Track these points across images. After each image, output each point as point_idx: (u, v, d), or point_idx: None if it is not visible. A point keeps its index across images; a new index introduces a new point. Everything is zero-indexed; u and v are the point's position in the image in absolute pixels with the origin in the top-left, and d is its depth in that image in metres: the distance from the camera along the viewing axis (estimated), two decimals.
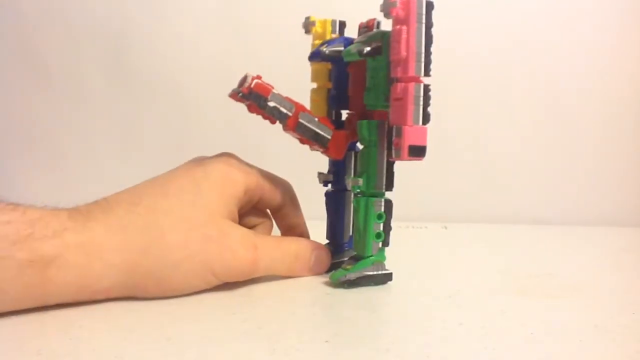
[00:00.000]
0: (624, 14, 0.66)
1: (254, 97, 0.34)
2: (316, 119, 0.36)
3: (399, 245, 0.50)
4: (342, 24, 0.40)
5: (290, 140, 0.38)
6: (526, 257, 0.48)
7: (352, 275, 0.35)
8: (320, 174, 0.40)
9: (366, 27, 0.37)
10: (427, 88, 0.32)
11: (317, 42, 0.40)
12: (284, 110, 0.35)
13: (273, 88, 0.35)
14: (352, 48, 0.34)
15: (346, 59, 0.36)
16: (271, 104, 0.34)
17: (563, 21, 0.65)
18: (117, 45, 0.61)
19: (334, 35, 0.40)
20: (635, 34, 0.66)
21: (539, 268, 0.43)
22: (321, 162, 0.41)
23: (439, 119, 0.65)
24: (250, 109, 0.35)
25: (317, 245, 0.38)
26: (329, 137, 0.36)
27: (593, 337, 0.28)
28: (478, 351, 0.26)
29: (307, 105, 0.40)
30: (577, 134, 0.67)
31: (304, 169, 0.42)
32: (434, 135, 0.63)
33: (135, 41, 0.61)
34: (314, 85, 0.41)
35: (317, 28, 0.40)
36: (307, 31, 0.40)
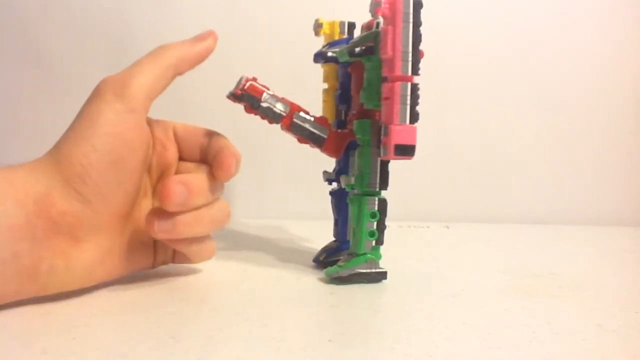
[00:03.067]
0: (624, 15, 0.66)
1: (247, 98, 0.35)
2: (312, 119, 0.36)
3: (401, 245, 0.51)
4: (352, 25, 0.40)
5: (291, 140, 0.38)
6: (527, 256, 0.48)
7: (344, 272, 0.35)
8: (324, 172, 0.40)
9: (367, 28, 0.37)
10: (415, 87, 0.31)
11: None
12: (278, 111, 0.35)
13: (268, 89, 0.36)
14: (345, 49, 0.34)
15: (340, 60, 0.36)
16: (264, 104, 0.35)
17: (565, 22, 0.65)
18: (120, 45, 0.61)
19: (342, 37, 0.40)
20: (635, 34, 0.66)
21: (540, 268, 0.43)
22: (324, 161, 0.41)
23: (440, 119, 0.65)
24: (247, 110, 0.36)
25: None
26: (325, 136, 0.37)
27: (596, 337, 0.28)
28: (482, 350, 0.26)
29: (320, 105, 0.40)
30: (577, 134, 0.67)
31: (307, 169, 0.42)
32: (436, 136, 0.64)
33: (139, 41, 0.61)
34: (325, 85, 0.41)
35: (325, 30, 0.40)
36: (316, 33, 0.40)
